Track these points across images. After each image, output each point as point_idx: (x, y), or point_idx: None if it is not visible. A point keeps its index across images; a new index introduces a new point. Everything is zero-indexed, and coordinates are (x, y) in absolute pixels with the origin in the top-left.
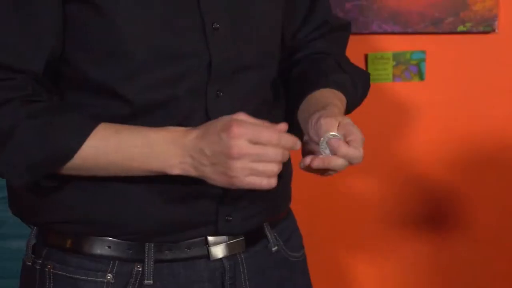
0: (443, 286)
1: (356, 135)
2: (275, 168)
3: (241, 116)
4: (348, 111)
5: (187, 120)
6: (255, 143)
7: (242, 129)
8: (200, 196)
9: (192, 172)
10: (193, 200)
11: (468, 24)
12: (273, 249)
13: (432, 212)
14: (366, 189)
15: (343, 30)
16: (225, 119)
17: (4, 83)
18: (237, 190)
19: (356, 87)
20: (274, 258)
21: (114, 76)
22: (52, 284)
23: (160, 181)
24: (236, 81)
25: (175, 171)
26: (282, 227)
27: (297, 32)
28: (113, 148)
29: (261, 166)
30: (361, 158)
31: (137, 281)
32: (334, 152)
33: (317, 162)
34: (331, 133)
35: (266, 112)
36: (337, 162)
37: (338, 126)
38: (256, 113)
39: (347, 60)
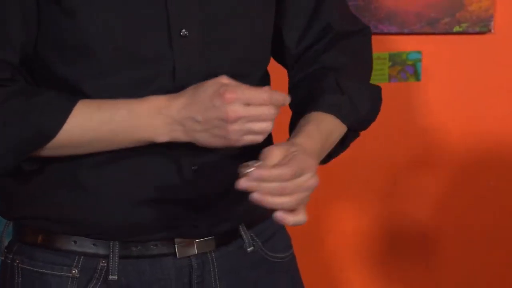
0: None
1: (291, 160)
2: (269, 126)
3: (226, 79)
4: (356, 130)
5: None
6: (248, 105)
7: (235, 94)
8: (165, 201)
9: (182, 138)
10: (158, 205)
11: (464, 25)
12: (249, 249)
13: (429, 212)
14: (361, 190)
15: (354, 35)
16: (212, 85)
17: None
18: (203, 199)
19: (355, 105)
20: (250, 258)
21: (81, 75)
22: (20, 279)
23: (128, 184)
24: None
25: (164, 138)
26: (262, 228)
27: (301, 40)
28: (97, 122)
29: (256, 126)
30: (282, 177)
31: (102, 276)
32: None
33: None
34: (246, 163)
35: None
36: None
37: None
38: None
39: (351, 75)
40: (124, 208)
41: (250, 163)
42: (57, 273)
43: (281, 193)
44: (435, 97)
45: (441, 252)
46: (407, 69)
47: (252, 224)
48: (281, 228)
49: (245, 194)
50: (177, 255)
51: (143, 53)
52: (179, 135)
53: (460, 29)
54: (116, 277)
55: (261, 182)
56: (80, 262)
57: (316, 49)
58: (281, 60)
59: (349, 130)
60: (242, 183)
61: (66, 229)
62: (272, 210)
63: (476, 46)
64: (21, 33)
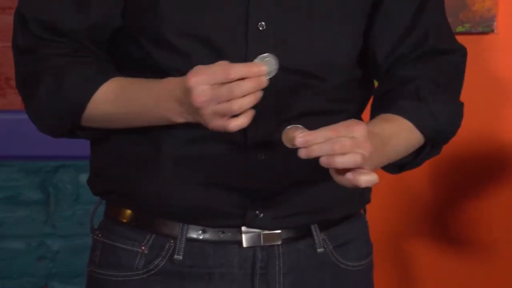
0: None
1: (335, 125)
2: (234, 105)
3: (220, 63)
4: (434, 143)
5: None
6: (214, 84)
7: (197, 76)
8: (231, 188)
9: (191, 119)
10: (224, 192)
11: (467, 25)
12: (319, 250)
13: (431, 212)
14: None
15: (448, 54)
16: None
17: (48, 43)
18: (269, 190)
19: (433, 115)
20: (319, 260)
21: (163, 58)
22: (99, 252)
23: (197, 168)
24: (278, 84)
25: (178, 119)
26: (336, 232)
27: (392, 52)
28: (123, 99)
29: (222, 108)
30: (327, 135)
31: (168, 255)
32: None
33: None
34: (292, 126)
35: (312, 123)
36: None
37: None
38: (292, 121)
39: (435, 88)
40: (193, 192)
41: (293, 127)
42: (128, 247)
43: (341, 150)
44: None
45: (436, 251)
46: None
47: (325, 227)
48: (360, 236)
49: (316, 191)
50: (243, 244)
51: (217, 43)
52: (188, 117)
53: (463, 29)
54: (181, 257)
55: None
56: (151, 240)
57: (407, 61)
58: (372, 72)
59: (427, 142)
60: (298, 140)
61: (141, 207)
62: (350, 213)
63: (479, 46)
64: (97, 7)
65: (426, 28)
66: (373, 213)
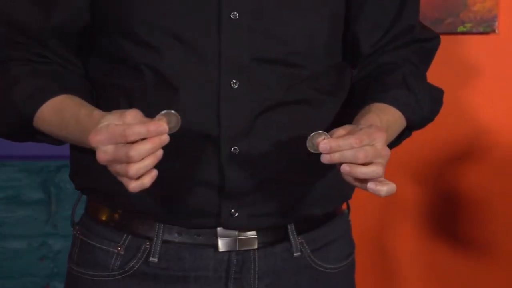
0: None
1: (359, 132)
2: (130, 170)
3: (130, 115)
4: (412, 128)
5: (196, 108)
6: (116, 144)
7: (98, 136)
8: (200, 185)
9: None
10: (195, 188)
11: (468, 25)
12: (295, 254)
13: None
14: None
15: (428, 41)
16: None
17: (13, 44)
18: (244, 185)
19: (419, 104)
20: (295, 264)
21: (136, 54)
22: (77, 249)
23: (167, 163)
24: (253, 74)
25: None
26: (314, 236)
27: (377, 42)
28: (56, 125)
29: (120, 169)
30: (351, 144)
31: (143, 257)
32: (317, 147)
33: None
34: (317, 132)
35: (294, 112)
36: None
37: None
38: (269, 112)
39: (418, 74)
40: (167, 188)
41: (318, 133)
42: (105, 247)
43: (364, 160)
44: None
45: (438, 251)
46: None
47: (304, 230)
48: (342, 236)
49: (293, 188)
50: (219, 249)
51: (188, 34)
52: None
53: (464, 29)
54: (156, 259)
55: (334, 151)
56: (127, 241)
57: (390, 47)
58: (350, 59)
59: (406, 127)
60: (322, 146)
61: (117, 204)
62: (330, 211)
63: (480, 46)
64: (63, 8)
65: (410, 19)
66: (356, 211)
